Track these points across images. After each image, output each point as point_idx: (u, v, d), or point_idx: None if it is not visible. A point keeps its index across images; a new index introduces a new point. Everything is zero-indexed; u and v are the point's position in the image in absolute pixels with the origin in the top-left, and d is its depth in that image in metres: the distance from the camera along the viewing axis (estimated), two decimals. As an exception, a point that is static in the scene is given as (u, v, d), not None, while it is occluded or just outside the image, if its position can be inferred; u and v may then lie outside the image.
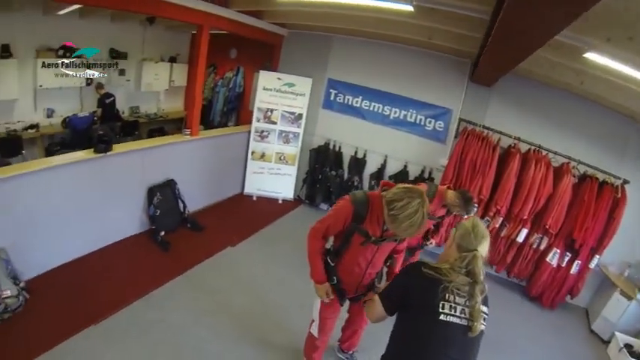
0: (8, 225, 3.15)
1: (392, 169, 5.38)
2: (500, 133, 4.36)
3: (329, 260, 2.21)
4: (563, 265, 4.27)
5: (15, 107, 5.65)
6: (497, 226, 4.44)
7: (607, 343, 3.96)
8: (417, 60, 4.95)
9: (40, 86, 5.68)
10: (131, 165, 4.22)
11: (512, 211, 4.31)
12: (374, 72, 5.29)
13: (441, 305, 1.41)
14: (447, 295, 1.41)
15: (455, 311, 1.41)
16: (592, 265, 4.18)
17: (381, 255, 2.20)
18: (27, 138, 5.56)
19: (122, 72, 6.96)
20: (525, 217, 4.26)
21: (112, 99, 6.33)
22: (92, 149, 3.75)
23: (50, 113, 6.03)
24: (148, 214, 4.41)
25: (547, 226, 4.18)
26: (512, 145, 4.37)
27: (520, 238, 4.39)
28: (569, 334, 4.13)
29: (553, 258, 4.29)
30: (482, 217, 4.46)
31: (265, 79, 5.73)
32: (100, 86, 6.23)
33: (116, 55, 6.72)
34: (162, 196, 4.51)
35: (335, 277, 2.21)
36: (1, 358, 2.54)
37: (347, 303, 2.43)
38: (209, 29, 4.52)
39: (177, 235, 4.51)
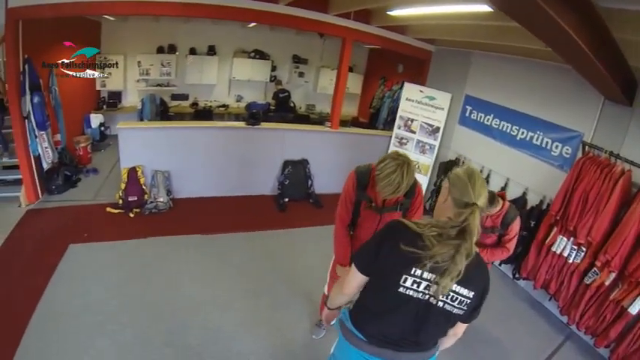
0: (177, 157, 4.98)
1: (511, 194, 4.93)
2: (632, 163, 3.41)
3: (350, 232, 2.61)
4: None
5: (213, 90, 8.37)
6: (606, 283, 3.50)
7: None
8: (547, 75, 4.44)
9: (234, 77, 7.95)
10: (273, 139, 5.53)
11: (627, 268, 3.34)
12: (505, 89, 5.02)
13: (403, 279, 1.33)
14: (414, 270, 1.31)
15: (418, 286, 1.33)
16: None
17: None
18: (217, 113, 7.93)
19: (301, 74, 8.71)
20: (644, 281, 3.24)
21: (285, 94, 8.03)
22: (245, 122, 5.17)
23: (239, 99, 8.31)
24: (279, 181, 5.61)
25: (673, 302, 3.09)
26: (645, 183, 3.41)
27: (633, 310, 3.29)
28: None
29: (675, 350, 3.08)
30: (589, 267, 3.68)
31: (409, 90, 6.16)
32: (279, 82, 8.02)
33: (298, 60, 8.43)
34: (294, 170, 5.61)
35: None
36: (137, 230, 4.22)
37: None
38: (351, 42, 5.43)
39: (297, 204, 5.55)
